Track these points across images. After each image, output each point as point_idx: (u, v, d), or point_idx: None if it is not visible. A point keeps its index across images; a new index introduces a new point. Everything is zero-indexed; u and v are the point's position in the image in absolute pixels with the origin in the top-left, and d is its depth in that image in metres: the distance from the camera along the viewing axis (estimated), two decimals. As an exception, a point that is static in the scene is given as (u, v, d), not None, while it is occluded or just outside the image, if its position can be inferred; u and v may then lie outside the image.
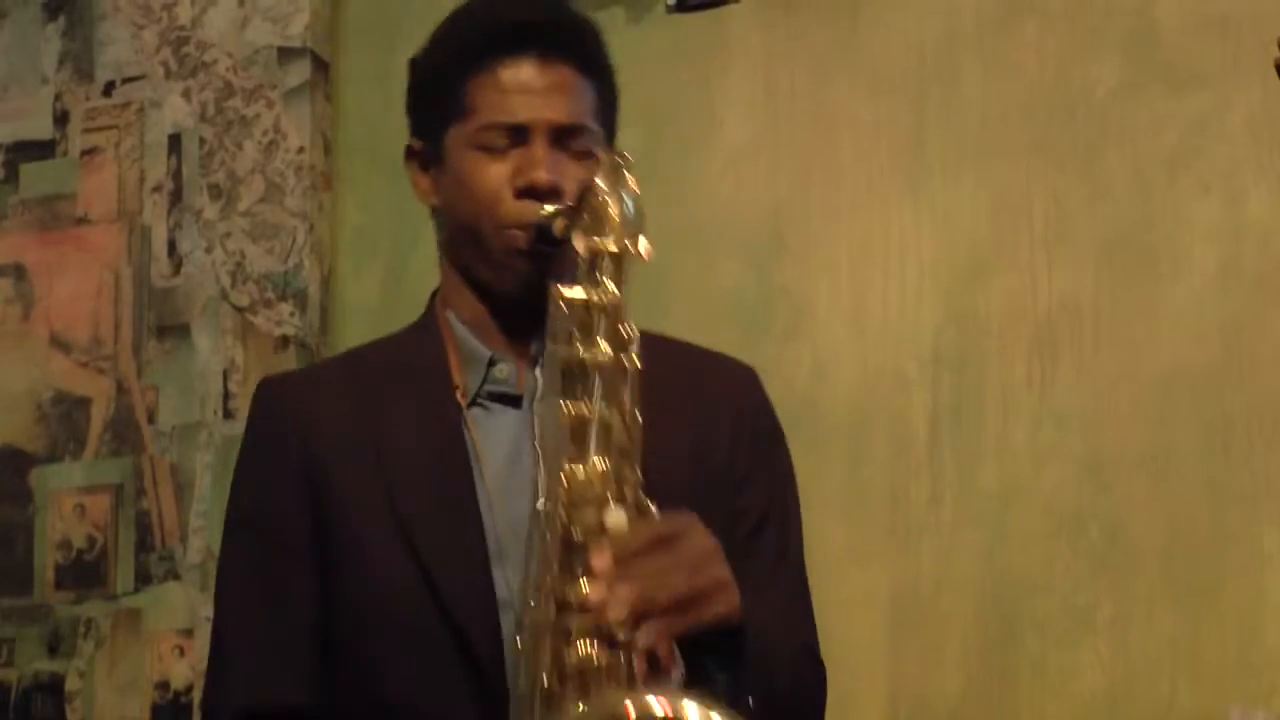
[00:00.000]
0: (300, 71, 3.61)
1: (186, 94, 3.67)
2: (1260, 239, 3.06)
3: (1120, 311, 3.12)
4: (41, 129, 3.77)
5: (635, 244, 1.92)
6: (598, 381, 1.89)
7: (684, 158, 3.38)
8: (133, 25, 3.72)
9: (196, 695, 3.52)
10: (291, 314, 3.56)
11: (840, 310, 3.28)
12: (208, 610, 3.52)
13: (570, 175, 2.06)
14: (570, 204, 2.00)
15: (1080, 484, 3.11)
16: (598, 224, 1.93)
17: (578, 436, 1.88)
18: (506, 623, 2.00)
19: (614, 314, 1.91)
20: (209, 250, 3.63)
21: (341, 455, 2.08)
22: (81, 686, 3.60)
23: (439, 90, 2.14)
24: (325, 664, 2.07)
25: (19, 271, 3.74)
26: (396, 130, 3.61)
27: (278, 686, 2.07)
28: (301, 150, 3.59)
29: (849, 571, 3.17)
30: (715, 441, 2.10)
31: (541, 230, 2.01)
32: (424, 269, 3.54)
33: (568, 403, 1.89)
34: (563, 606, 1.83)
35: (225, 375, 3.59)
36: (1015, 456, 3.15)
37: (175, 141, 3.68)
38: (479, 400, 2.11)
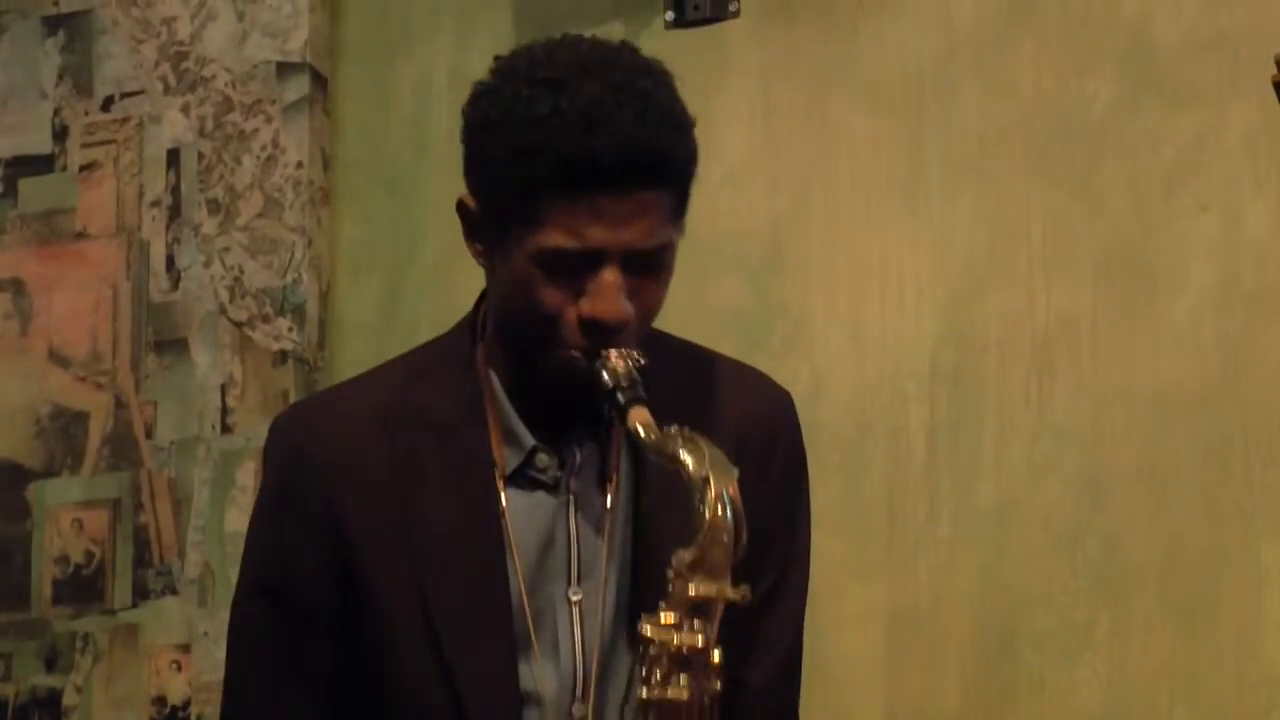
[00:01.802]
0: (299, 87, 3.61)
1: (185, 109, 3.68)
2: (1257, 256, 3.07)
3: (1118, 328, 3.12)
4: (40, 143, 3.77)
5: (740, 593, 1.87)
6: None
7: (682, 173, 3.38)
8: (132, 40, 3.73)
9: (194, 710, 3.52)
10: (290, 329, 3.56)
11: (838, 325, 3.28)
12: (205, 625, 3.52)
13: (642, 296, 1.96)
14: (636, 356, 1.93)
15: (1078, 500, 3.10)
16: (708, 564, 1.85)
17: None
18: (529, 719, 1.98)
19: (705, 656, 1.87)
20: (207, 265, 3.63)
21: (370, 525, 2.00)
22: (79, 701, 3.59)
23: (505, 186, 1.95)
24: None
25: (17, 286, 3.74)
26: (395, 146, 3.65)
27: None
28: (300, 165, 3.59)
29: (847, 587, 3.17)
30: (742, 484, 2.00)
31: (603, 388, 1.92)
32: (422, 284, 3.57)
33: None
34: None
35: (223, 390, 3.59)
36: (1013, 472, 3.14)
37: (174, 156, 3.68)
38: (514, 480, 2.03)
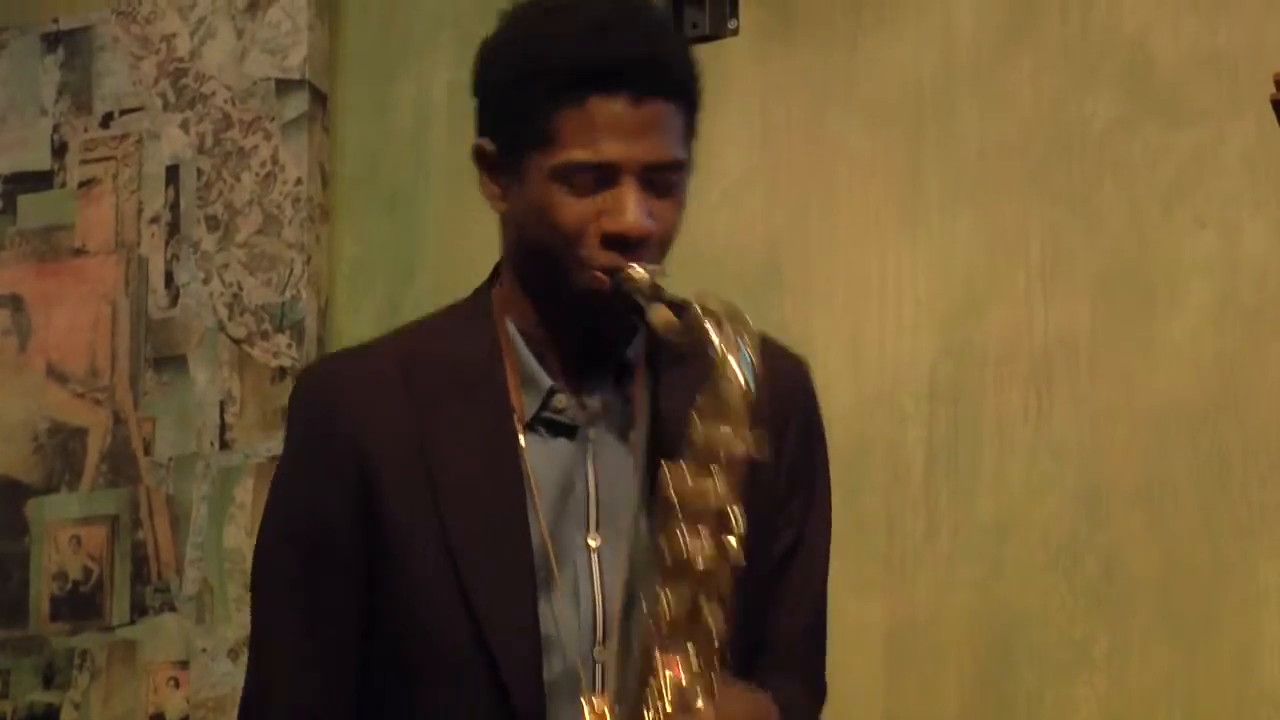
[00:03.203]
0: (298, 103, 3.62)
1: (185, 125, 3.68)
2: (1256, 273, 3.07)
3: (1116, 345, 3.12)
4: (40, 160, 3.78)
5: (757, 444, 1.90)
6: (697, 575, 1.90)
7: (681, 190, 3.38)
8: (131, 57, 3.73)
9: (191, 727, 3.53)
10: (288, 345, 3.56)
11: (837, 343, 3.28)
12: (204, 642, 3.52)
13: (659, 215, 2.00)
14: (659, 268, 1.97)
15: (1076, 517, 3.10)
16: (720, 408, 1.89)
17: (672, 634, 1.90)
18: (550, 662, 1.99)
19: (724, 507, 1.90)
20: (206, 281, 3.63)
21: (393, 469, 2.02)
22: (77, 718, 3.59)
23: (520, 108, 2.00)
24: (365, 683, 2.04)
25: (16, 302, 3.75)
26: (394, 163, 3.65)
27: (324, 707, 2.04)
28: (299, 182, 3.59)
29: (845, 603, 3.15)
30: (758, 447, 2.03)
31: (628, 299, 1.96)
32: (420, 300, 3.56)
33: (666, 596, 1.89)
34: None
35: (222, 407, 3.59)
36: (1011, 489, 3.15)
37: (173, 173, 3.68)
38: (534, 426, 2.05)
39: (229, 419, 3.58)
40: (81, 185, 3.74)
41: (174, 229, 3.67)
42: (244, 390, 3.58)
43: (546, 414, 2.05)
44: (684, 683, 1.90)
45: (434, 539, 2.00)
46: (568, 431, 2.05)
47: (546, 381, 2.04)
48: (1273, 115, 2.58)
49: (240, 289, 3.60)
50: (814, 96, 3.36)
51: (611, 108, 1.96)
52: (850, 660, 3.14)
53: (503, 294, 2.09)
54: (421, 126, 3.61)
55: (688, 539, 1.89)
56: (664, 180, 2.00)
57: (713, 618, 1.90)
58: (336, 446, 2.04)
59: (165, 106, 3.70)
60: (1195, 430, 3.05)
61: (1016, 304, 3.18)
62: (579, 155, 1.96)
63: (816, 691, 2.15)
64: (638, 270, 1.97)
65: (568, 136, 1.96)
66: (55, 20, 3.79)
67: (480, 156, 2.06)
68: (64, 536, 3.65)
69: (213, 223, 3.64)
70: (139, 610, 3.58)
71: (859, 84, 3.34)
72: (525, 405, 2.05)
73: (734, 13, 3.39)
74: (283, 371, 3.55)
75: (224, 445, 3.57)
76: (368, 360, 2.12)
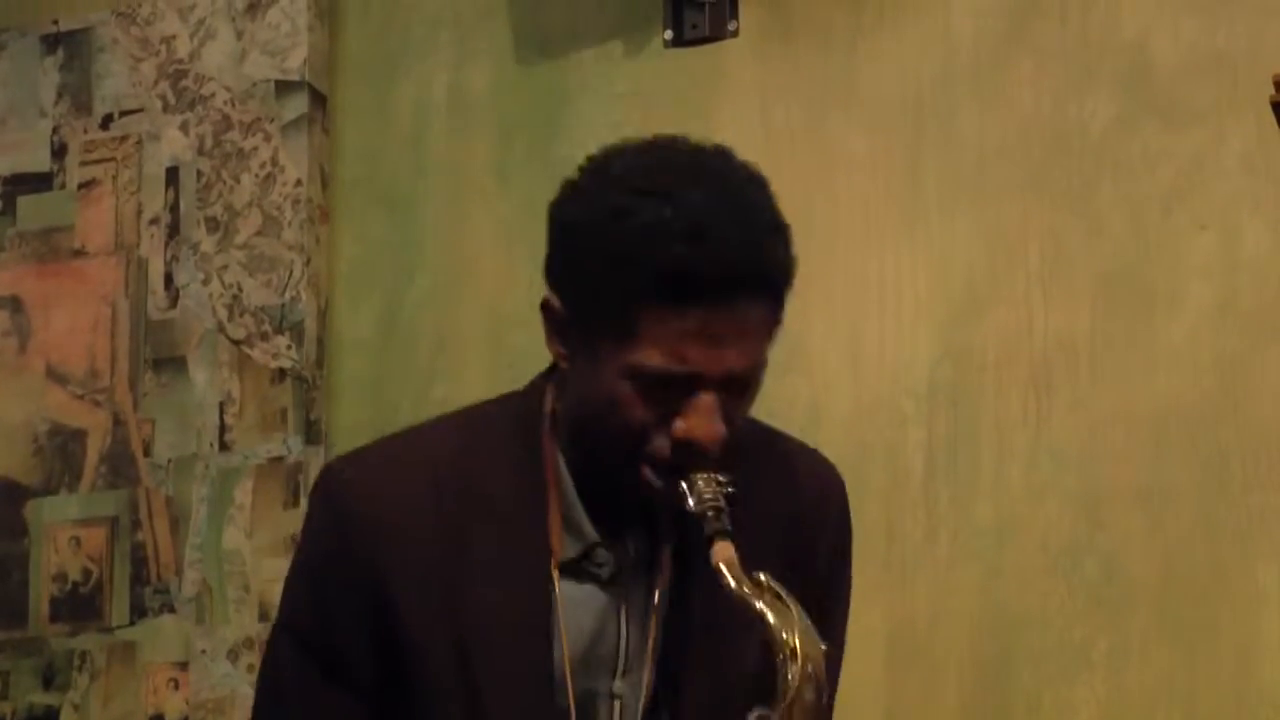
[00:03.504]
0: (298, 105, 3.62)
1: (184, 127, 3.68)
2: (1255, 275, 3.07)
3: (1116, 347, 3.12)
4: (39, 161, 3.77)
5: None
6: None
7: (681, 192, 3.38)
8: (131, 58, 3.73)
9: (191, 728, 3.53)
10: (288, 347, 3.56)
11: (836, 345, 3.28)
12: (203, 643, 3.52)
13: (731, 414, 1.88)
14: (727, 489, 1.86)
15: (1076, 520, 3.10)
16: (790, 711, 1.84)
17: None
18: None
19: None
20: (206, 283, 3.63)
21: (416, 597, 1.91)
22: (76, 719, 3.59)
23: (601, 290, 1.85)
24: None
25: (15, 304, 3.74)
26: (394, 164, 3.65)
27: None
28: (299, 183, 3.59)
29: (845, 606, 3.17)
30: (788, 564, 1.95)
31: (688, 515, 1.86)
32: (420, 302, 3.57)
33: None
34: None
35: (221, 408, 3.59)
36: (1011, 492, 3.14)
37: (173, 174, 3.68)
38: (569, 570, 1.95)
39: (228, 420, 3.58)
40: (81, 187, 3.74)
41: (174, 230, 3.67)
42: (244, 392, 3.57)
43: (585, 563, 1.95)
44: None
45: (454, 680, 1.91)
46: (604, 579, 1.96)
47: (592, 535, 1.94)
48: (1272, 117, 2.59)
49: (240, 290, 3.60)
50: (814, 97, 3.36)
51: (701, 317, 1.83)
52: (850, 664, 3.12)
53: (559, 431, 1.97)
54: (421, 128, 3.61)
55: None
56: (745, 382, 1.90)
57: None
58: (354, 569, 1.93)
59: (165, 108, 3.70)
60: (1195, 433, 3.05)
61: (1016, 306, 3.18)
62: (660, 362, 1.84)
63: None
64: (703, 486, 1.86)
65: (650, 338, 1.83)
66: (55, 22, 3.79)
67: (548, 313, 1.92)
68: (63, 538, 3.65)
69: (212, 224, 3.64)
70: (138, 611, 3.58)
71: (859, 84, 3.34)
72: (565, 549, 1.94)
73: (734, 14, 3.40)
74: (282, 373, 3.55)
75: (223, 447, 3.57)
76: (396, 475, 1.97)
